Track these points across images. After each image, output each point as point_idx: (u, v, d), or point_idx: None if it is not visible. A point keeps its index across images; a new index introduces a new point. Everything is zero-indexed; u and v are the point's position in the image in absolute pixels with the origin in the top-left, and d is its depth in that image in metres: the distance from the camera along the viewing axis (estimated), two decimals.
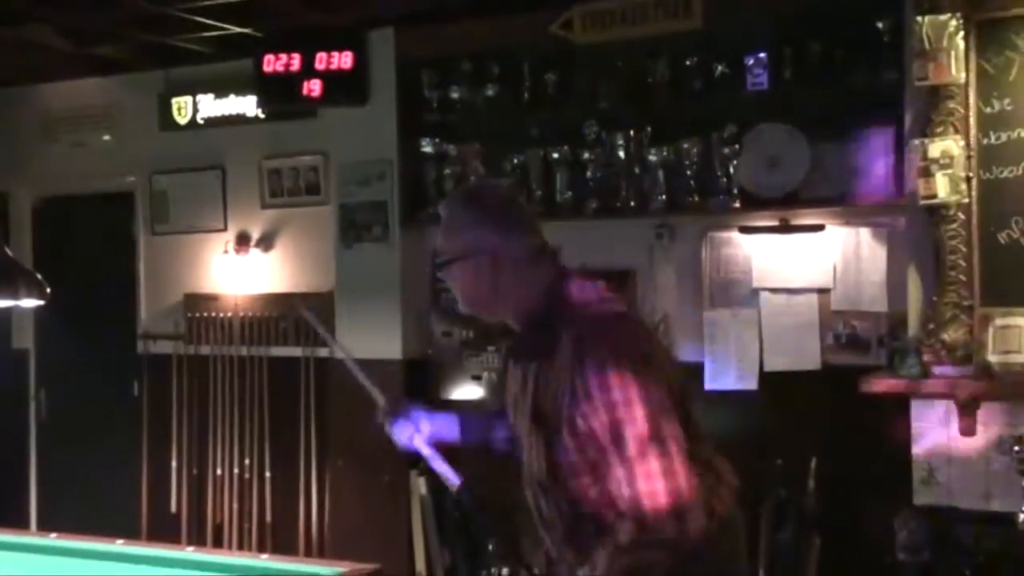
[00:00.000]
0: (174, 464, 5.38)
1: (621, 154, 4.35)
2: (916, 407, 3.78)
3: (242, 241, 5.28)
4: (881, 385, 3.75)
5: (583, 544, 2.09)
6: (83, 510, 5.31)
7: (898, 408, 3.79)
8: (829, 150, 4.04)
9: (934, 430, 3.74)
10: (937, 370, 3.65)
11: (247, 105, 5.19)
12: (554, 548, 2.22)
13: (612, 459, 1.97)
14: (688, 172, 4.24)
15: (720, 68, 4.17)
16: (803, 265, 4.16)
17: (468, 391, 4.76)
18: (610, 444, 1.96)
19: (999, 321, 3.59)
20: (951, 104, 3.64)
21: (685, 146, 4.21)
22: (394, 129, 4.77)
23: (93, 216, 5.74)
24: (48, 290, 3.38)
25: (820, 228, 4.13)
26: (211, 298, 5.35)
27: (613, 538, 1.96)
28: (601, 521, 2.04)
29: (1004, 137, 3.62)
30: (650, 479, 1.93)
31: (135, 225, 5.60)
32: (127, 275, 5.59)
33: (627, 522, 1.94)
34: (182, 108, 5.38)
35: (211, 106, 5.31)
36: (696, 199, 4.24)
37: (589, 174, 4.41)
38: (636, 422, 1.96)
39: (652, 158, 4.27)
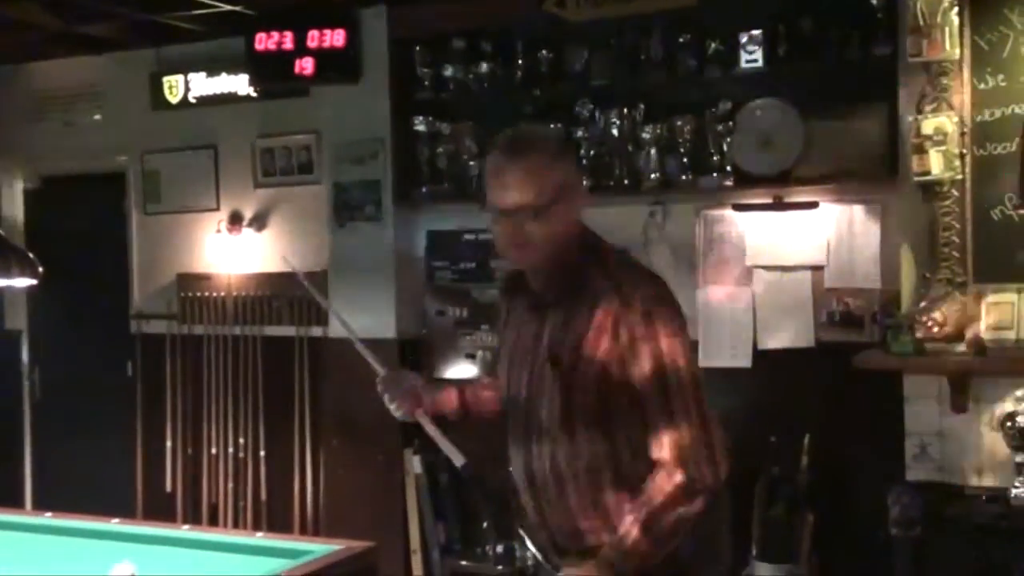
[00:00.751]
0: (169, 444, 5.38)
1: (615, 132, 4.34)
2: (909, 383, 3.79)
3: (235, 220, 5.26)
4: (874, 362, 3.77)
5: (596, 499, 2.08)
6: (78, 490, 5.32)
7: (891, 385, 3.81)
8: (823, 127, 4.03)
9: (927, 406, 3.75)
10: (930, 347, 3.67)
11: (239, 84, 5.16)
12: (551, 508, 2.16)
13: (655, 407, 2.00)
14: (682, 150, 4.23)
15: (714, 45, 4.16)
16: (797, 243, 4.16)
17: (462, 370, 4.76)
18: (654, 392, 2.00)
19: (991, 297, 3.60)
20: (945, 80, 3.64)
21: (679, 124, 4.21)
22: (387, 107, 4.75)
23: (85, 196, 5.71)
24: (40, 270, 3.37)
25: (814, 205, 4.13)
26: (204, 278, 5.34)
27: (652, 488, 1.99)
28: (616, 469, 2.06)
29: (998, 113, 3.63)
30: (692, 428, 1.99)
31: (127, 205, 5.58)
32: (120, 255, 5.57)
33: (670, 470, 1.99)
34: (173, 87, 5.35)
35: (203, 85, 5.28)
36: (690, 177, 4.23)
37: (582, 152, 4.40)
38: (680, 372, 2.00)
39: (646, 136, 4.27)
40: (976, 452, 3.68)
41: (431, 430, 2.34)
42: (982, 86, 3.64)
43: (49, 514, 3.33)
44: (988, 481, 3.65)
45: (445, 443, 2.31)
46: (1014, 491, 3.49)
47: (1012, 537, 3.46)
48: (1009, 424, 3.51)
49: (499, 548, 4.41)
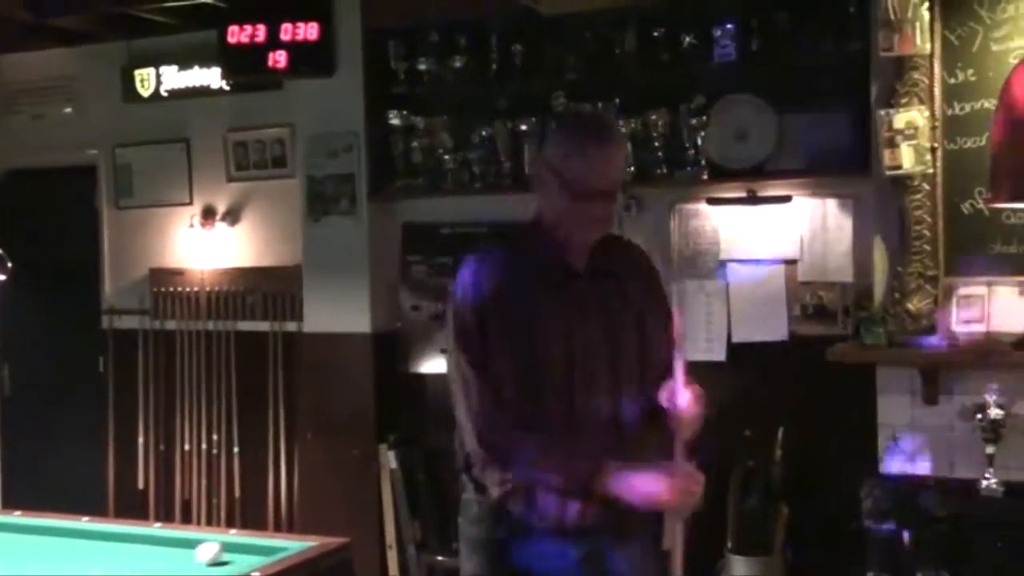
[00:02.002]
0: (141, 440, 5.34)
1: None
2: (881, 376, 3.82)
3: (208, 215, 5.23)
4: (847, 355, 3.79)
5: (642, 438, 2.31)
6: (48, 487, 5.27)
7: (864, 377, 3.83)
8: (796, 121, 4.05)
9: (899, 399, 3.78)
10: (902, 339, 3.69)
11: (211, 77, 5.12)
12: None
13: (673, 341, 2.34)
14: (656, 143, 4.23)
15: (688, 39, 4.16)
16: (770, 236, 4.18)
17: (438, 364, 4.75)
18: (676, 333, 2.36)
19: (962, 290, 3.63)
20: (916, 75, 3.66)
21: (653, 117, 4.21)
22: (361, 101, 4.72)
23: (56, 190, 5.66)
24: (10, 265, 3.34)
25: (787, 199, 4.15)
26: (177, 272, 5.30)
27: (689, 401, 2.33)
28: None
29: (968, 108, 3.65)
30: None
31: (98, 199, 5.53)
32: (91, 250, 5.52)
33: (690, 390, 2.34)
34: (145, 80, 5.30)
35: (175, 78, 5.24)
36: (664, 170, 4.24)
37: None
38: None
39: (621, 130, 4.26)
40: (948, 444, 3.71)
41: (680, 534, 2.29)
42: (952, 80, 3.67)
43: (18, 512, 3.30)
44: (960, 472, 3.68)
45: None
46: (984, 482, 3.52)
47: (983, 528, 3.49)
48: (980, 416, 3.54)
49: None
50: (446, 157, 4.59)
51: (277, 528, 4.94)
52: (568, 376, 2.24)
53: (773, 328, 4.15)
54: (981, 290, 3.60)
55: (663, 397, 2.29)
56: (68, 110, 5.59)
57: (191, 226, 5.24)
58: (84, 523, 3.15)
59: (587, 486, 2.18)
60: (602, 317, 2.29)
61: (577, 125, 2.37)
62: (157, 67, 5.26)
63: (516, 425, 2.20)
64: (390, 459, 4.63)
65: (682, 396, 2.29)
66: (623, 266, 2.38)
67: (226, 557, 2.79)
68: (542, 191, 2.31)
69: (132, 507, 5.21)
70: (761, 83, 4.09)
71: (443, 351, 4.61)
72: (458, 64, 4.54)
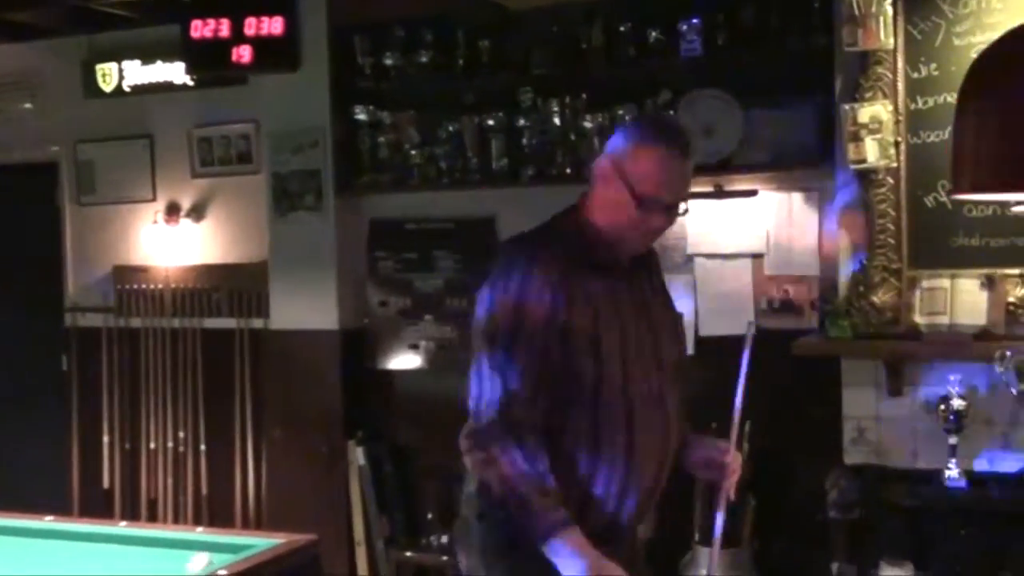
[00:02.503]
0: (106, 439, 5.29)
1: (556, 121, 4.34)
2: (846, 369, 3.85)
3: (172, 211, 5.18)
4: (812, 348, 3.83)
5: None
6: (11, 487, 5.20)
7: (829, 370, 3.86)
8: (762, 116, 4.08)
9: (864, 391, 3.82)
10: (867, 332, 3.73)
11: (175, 72, 5.07)
12: (662, 483, 2.29)
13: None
14: None
15: (654, 34, 4.18)
16: (737, 231, 4.20)
17: (406, 360, 4.74)
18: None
19: (926, 283, 3.67)
20: (880, 69, 3.70)
21: (620, 112, 4.22)
22: (327, 96, 4.70)
23: (16, 187, 5.58)
24: None
25: (753, 194, 4.17)
26: (141, 270, 5.25)
27: None
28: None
29: (931, 102, 3.69)
30: None
31: (60, 196, 5.46)
32: (53, 247, 5.45)
33: None
34: (107, 75, 5.24)
35: (138, 73, 5.18)
36: None
37: (524, 141, 4.40)
38: None
39: (587, 125, 4.27)
40: (912, 435, 3.76)
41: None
42: (915, 75, 3.70)
43: None
44: (923, 463, 3.72)
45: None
46: (947, 472, 3.57)
47: (946, 518, 3.54)
48: (943, 407, 3.58)
49: (444, 539, 4.40)
50: (412, 152, 4.58)
51: (245, 526, 4.91)
52: (624, 372, 2.19)
53: (740, 322, 4.17)
54: (944, 283, 3.64)
55: (710, 456, 2.38)
56: (28, 106, 5.51)
57: (155, 223, 5.19)
58: (48, 523, 3.12)
59: (534, 533, 2.05)
60: (645, 314, 2.28)
61: (659, 135, 2.18)
62: (119, 62, 5.21)
63: (532, 428, 2.09)
64: (358, 455, 4.62)
65: (736, 459, 2.38)
66: (649, 264, 2.39)
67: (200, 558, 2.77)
68: (603, 188, 2.18)
69: (97, 506, 5.16)
70: (727, 78, 4.11)
71: (412, 346, 4.70)
72: (424, 59, 4.53)
